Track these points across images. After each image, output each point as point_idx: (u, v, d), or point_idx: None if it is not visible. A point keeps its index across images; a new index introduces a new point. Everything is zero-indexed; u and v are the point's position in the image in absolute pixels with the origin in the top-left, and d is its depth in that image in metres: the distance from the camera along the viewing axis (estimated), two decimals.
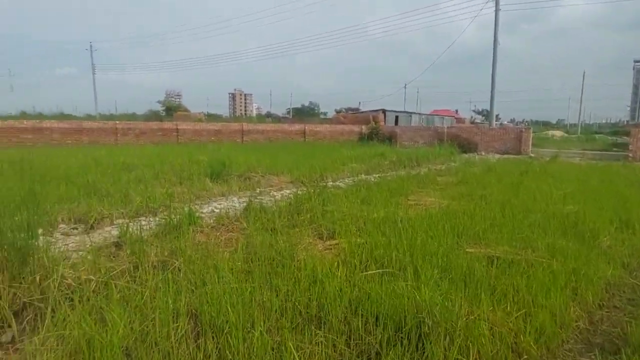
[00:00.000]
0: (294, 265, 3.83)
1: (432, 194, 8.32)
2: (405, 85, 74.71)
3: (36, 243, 3.20)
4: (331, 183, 9.88)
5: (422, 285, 3.19)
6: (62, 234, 5.13)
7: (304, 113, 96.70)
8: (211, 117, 56.63)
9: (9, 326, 2.85)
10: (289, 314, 2.96)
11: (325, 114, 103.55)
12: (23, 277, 3.03)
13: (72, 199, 6.68)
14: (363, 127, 29.25)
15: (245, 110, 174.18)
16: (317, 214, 6.15)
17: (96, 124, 21.50)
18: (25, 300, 2.97)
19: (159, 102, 58.73)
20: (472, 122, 73.73)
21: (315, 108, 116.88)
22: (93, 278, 3.33)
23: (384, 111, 34.77)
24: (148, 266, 3.60)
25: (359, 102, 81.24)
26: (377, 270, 3.70)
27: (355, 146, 22.78)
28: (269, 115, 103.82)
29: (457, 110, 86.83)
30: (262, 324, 2.71)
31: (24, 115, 37.75)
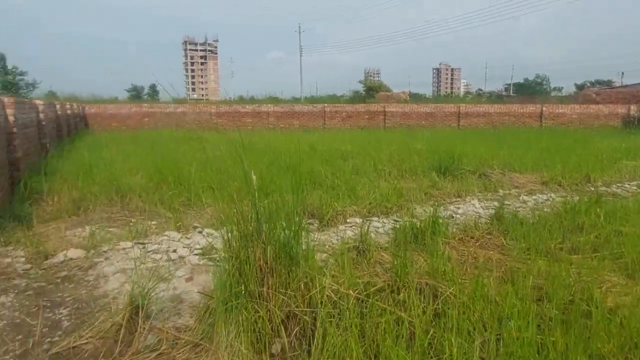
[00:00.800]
0: (611, 321, 2.99)
1: None
2: None
3: (302, 244, 3.34)
4: (603, 188, 8.15)
5: None
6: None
7: (529, 89, 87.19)
8: (414, 97, 56.86)
9: (278, 335, 3.02)
10: None
11: (559, 89, 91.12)
12: (289, 283, 3.19)
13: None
14: (632, 107, 23.95)
15: (452, 88, 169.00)
16: (607, 235, 5.00)
17: (306, 108, 24.12)
18: (291, 309, 3.11)
19: (360, 82, 62.18)
20: None
21: (544, 82, 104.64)
22: (352, 293, 3.29)
23: None
24: (410, 288, 3.37)
25: (620, 73, 67.23)
26: None
27: (622, 134, 18.85)
28: (480, 93, 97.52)
29: None
30: None
31: (241, 100, 46.18)
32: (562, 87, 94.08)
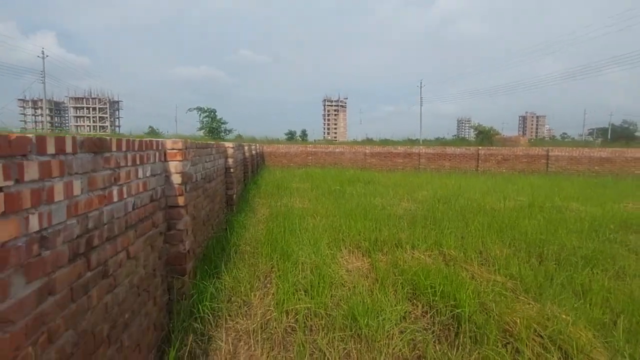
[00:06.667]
0: None
1: None
2: None
3: None
4: None
5: None
6: None
7: (616, 134, 68.33)
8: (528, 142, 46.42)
9: None
10: None
11: None
12: None
13: None
14: None
15: (536, 133, 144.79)
16: None
17: (458, 150, 18.37)
18: None
19: (471, 127, 53.65)
20: None
21: (631, 127, 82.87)
22: None
23: None
24: None
25: None
26: None
27: None
28: (565, 137, 79.89)
29: None
30: None
31: (368, 141, 41.74)
32: None
